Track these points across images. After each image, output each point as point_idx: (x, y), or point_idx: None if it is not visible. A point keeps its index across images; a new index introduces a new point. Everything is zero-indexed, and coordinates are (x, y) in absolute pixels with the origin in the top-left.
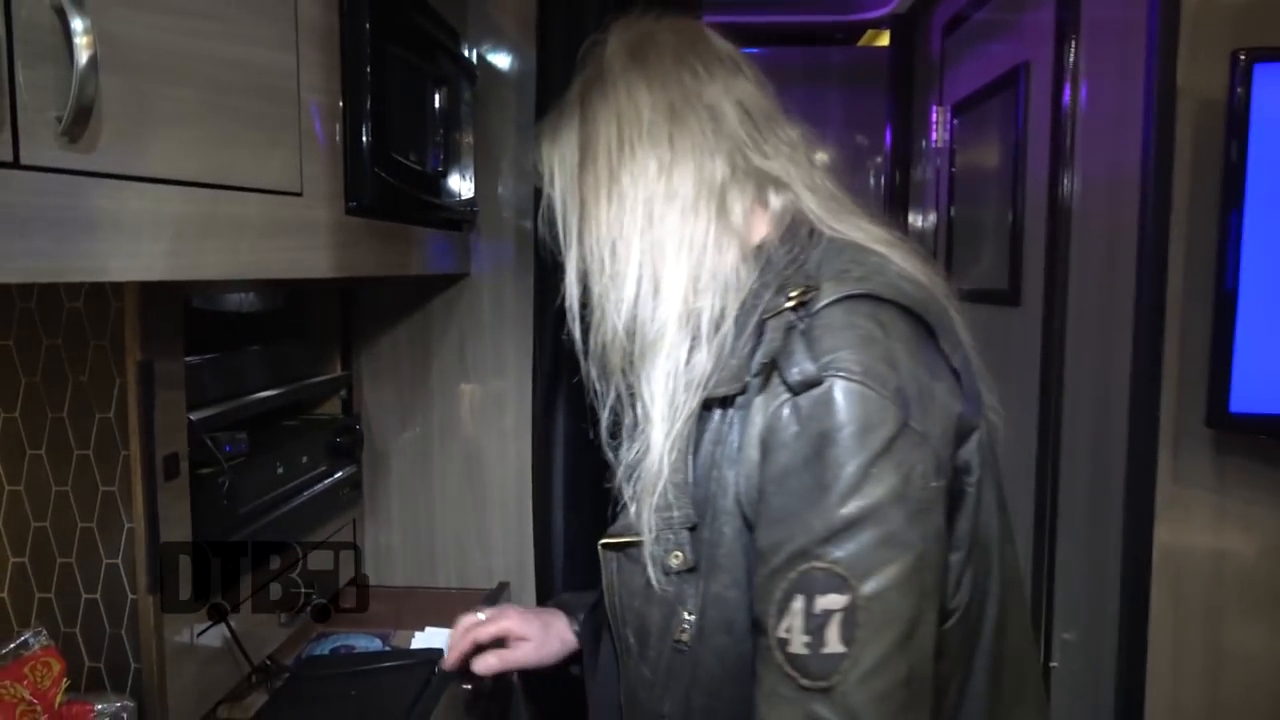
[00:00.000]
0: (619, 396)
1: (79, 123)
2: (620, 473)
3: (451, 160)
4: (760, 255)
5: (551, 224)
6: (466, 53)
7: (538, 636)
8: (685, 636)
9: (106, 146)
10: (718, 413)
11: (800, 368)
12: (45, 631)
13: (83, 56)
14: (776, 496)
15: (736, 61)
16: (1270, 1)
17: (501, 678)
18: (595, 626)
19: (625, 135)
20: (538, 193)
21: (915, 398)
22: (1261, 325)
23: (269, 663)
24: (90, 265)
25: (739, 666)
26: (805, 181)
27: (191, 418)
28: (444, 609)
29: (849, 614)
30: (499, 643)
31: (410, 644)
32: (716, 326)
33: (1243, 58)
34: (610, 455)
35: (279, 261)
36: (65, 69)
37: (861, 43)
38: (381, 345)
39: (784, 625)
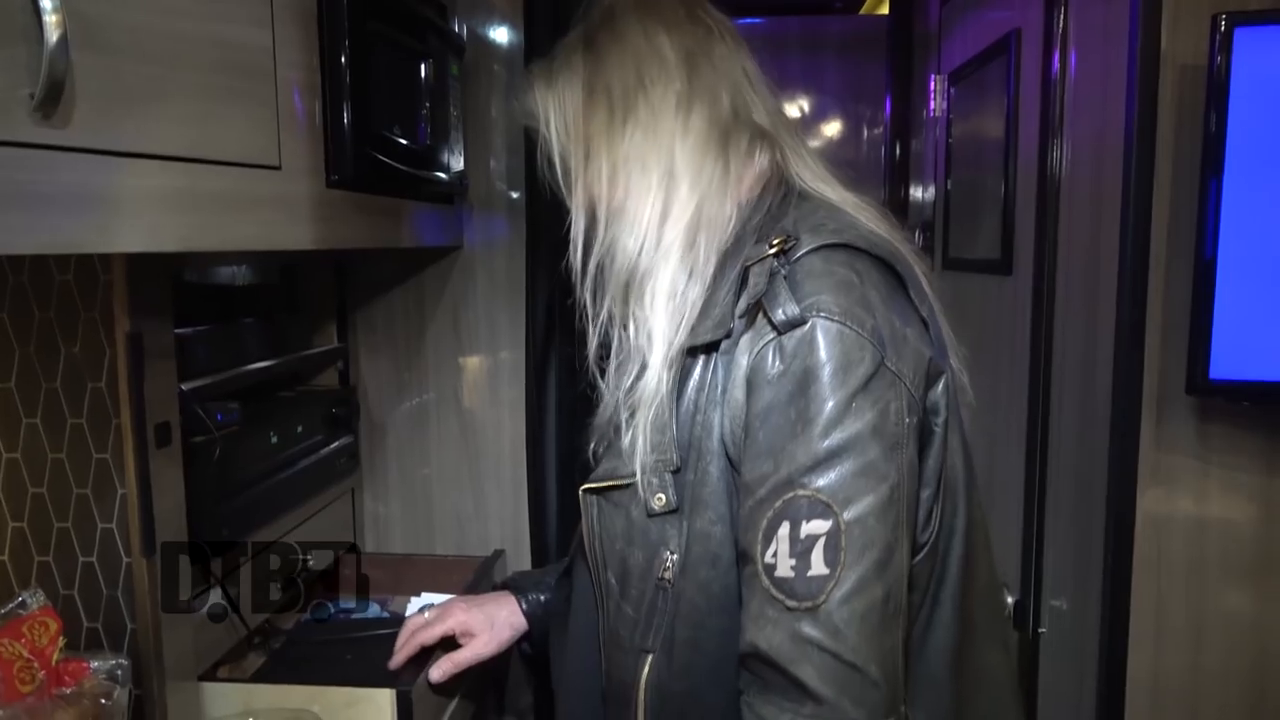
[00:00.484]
0: (610, 325)
1: (51, 99)
2: (610, 406)
3: (440, 134)
4: (744, 205)
5: (550, 160)
6: (455, 27)
7: (485, 629)
8: (668, 575)
9: (81, 122)
10: (701, 359)
11: (784, 309)
12: (42, 592)
13: (53, 35)
14: (762, 431)
15: (733, 30)
16: None
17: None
18: (566, 594)
19: (644, 72)
20: (529, 163)
21: (889, 339)
22: (1241, 292)
23: (267, 625)
24: (66, 239)
25: (723, 598)
26: (789, 143)
27: (183, 388)
28: (440, 576)
29: (832, 538)
30: (449, 641)
31: (406, 610)
32: (707, 263)
33: (1223, 21)
34: (600, 384)
35: (258, 234)
36: (36, 47)
37: (863, 11)
38: (377, 317)
39: (770, 551)
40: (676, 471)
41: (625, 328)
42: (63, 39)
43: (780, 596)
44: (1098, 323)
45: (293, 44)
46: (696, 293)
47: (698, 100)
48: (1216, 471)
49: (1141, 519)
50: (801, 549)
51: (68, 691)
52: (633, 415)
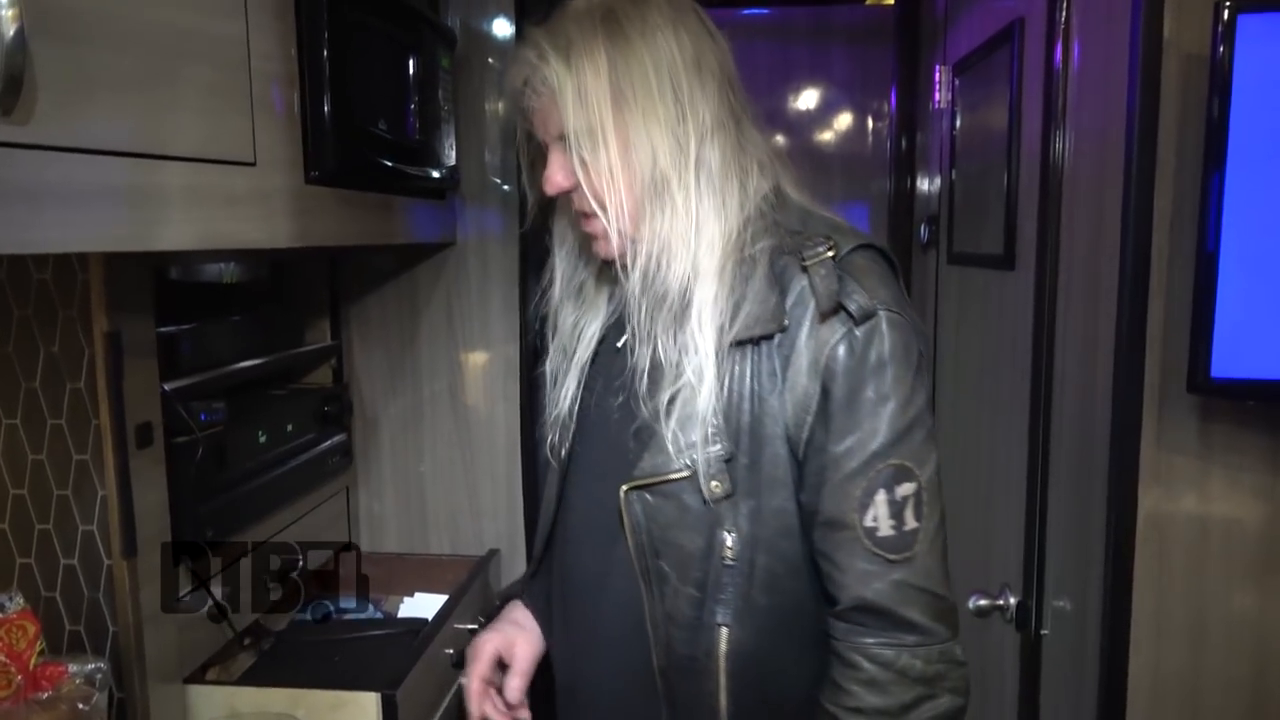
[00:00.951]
0: (651, 335)
1: (9, 95)
2: (649, 407)
3: (430, 128)
4: (750, 212)
5: (579, 151)
6: (448, 19)
7: (517, 634)
8: (731, 553)
9: (43, 118)
10: (749, 350)
11: (858, 303)
12: (21, 595)
13: (9, 29)
14: (844, 413)
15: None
16: None
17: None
18: (545, 592)
19: (676, 79)
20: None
21: (919, 328)
22: (1245, 287)
23: (258, 625)
24: (28, 237)
25: (798, 563)
26: (777, 154)
27: (166, 387)
28: (434, 575)
29: (918, 496)
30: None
31: (400, 609)
32: (729, 262)
33: (1226, 8)
34: (644, 400)
35: (233, 231)
36: None
37: (869, 1)
38: (370, 314)
39: (870, 515)
40: (729, 459)
41: (658, 335)
42: (19, 32)
43: (881, 553)
44: (1099, 319)
45: (268, 35)
46: (726, 292)
47: (725, 113)
48: (1219, 471)
49: (1143, 519)
50: (897, 510)
51: (44, 696)
52: (673, 412)
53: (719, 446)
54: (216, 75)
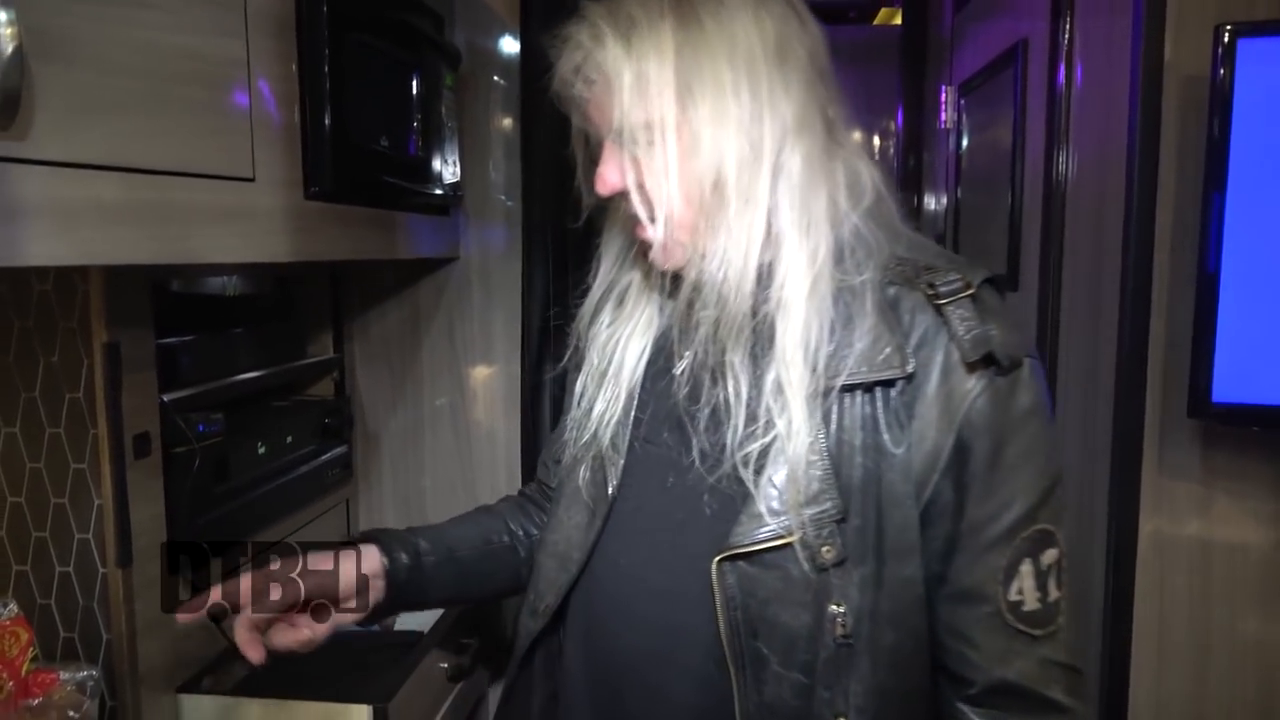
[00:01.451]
0: (721, 369)
1: (7, 111)
2: (733, 457)
3: (432, 145)
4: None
5: (633, 149)
6: (454, 37)
7: (350, 593)
8: (844, 630)
9: (41, 135)
10: (860, 395)
11: (1007, 351)
12: (15, 603)
13: (7, 47)
14: (986, 473)
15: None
16: None
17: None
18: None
19: (759, 63)
20: (526, 171)
21: None
22: (1246, 310)
23: None
24: (24, 251)
25: (926, 638)
26: (872, 161)
27: (164, 398)
28: None
29: (1059, 563)
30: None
31: (395, 622)
32: (850, 292)
33: (1226, 32)
34: (725, 448)
35: (231, 246)
36: None
37: (877, 21)
38: (372, 327)
39: (1014, 589)
40: (841, 520)
41: (732, 370)
42: (17, 50)
43: (1026, 629)
44: (1100, 342)
45: (268, 56)
46: (819, 325)
47: (813, 112)
48: (1222, 497)
49: (1144, 544)
50: (1043, 581)
51: (35, 703)
52: (765, 466)
53: (828, 505)
54: (216, 93)
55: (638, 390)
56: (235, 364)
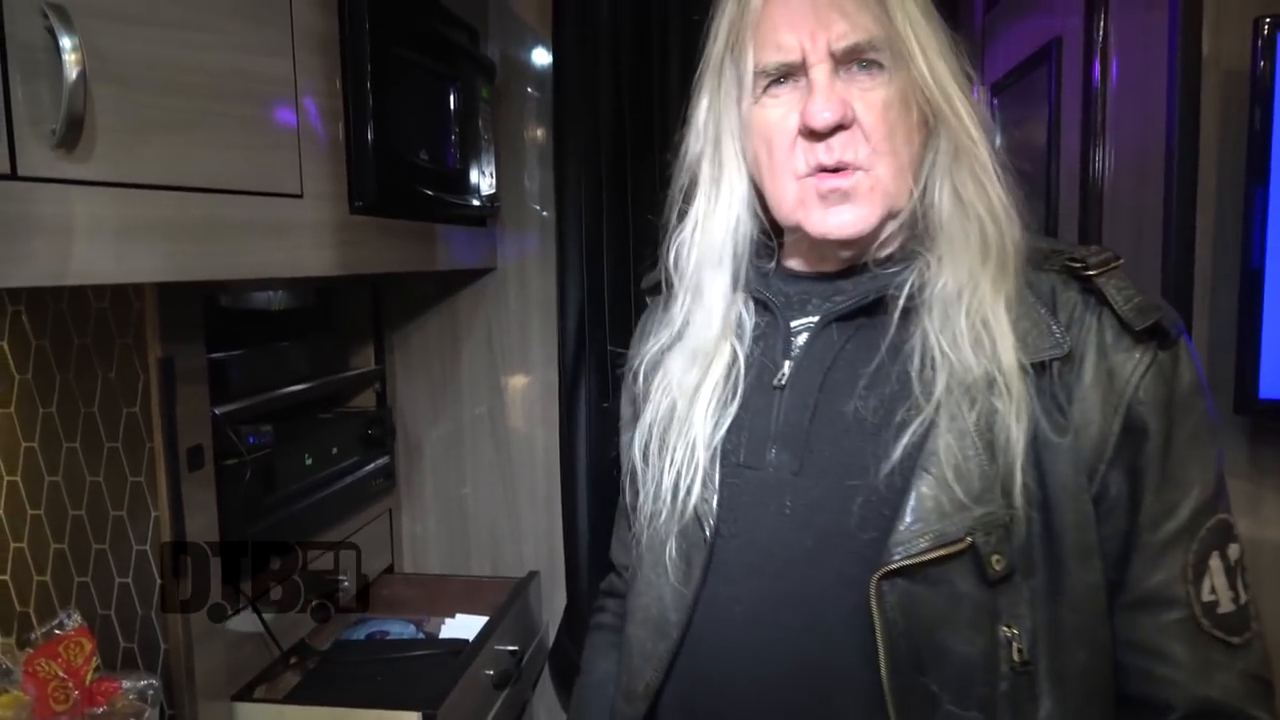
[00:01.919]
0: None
1: (71, 134)
2: (887, 462)
3: (470, 157)
4: None
5: (866, 69)
6: (488, 50)
7: None
8: (1019, 655)
9: (101, 156)
10: (1028, 378)
11: (1172, 323)
12: (79, 613)
13: (72, 72)
14: (1161, 458)
15: None
16: None
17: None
18: None
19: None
20: (560, 180)
21: None
22: None
23: (304, 644)
24: (87, 268)
25: (1112, 654)
26: None
27: (216, 411)
28: (475, 596)
29: (1242, 560)
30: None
31: (441, 630)
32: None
33: (1265, 24)
34: (842, 458)
35: (281, 261)
36: (57, 83)
37: None
38: (413, 339)
39: (1206, 588)
40: (1007, 524)
41: (937, 346)
42: (81, 75)
43: (1224, 636)
44: None
45: (313, 73)
46: (1008, 301)
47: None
48: (1270, 495)
49: None
50: (1233, 578)
51: (99, 711)
52: (919, 467)
53: (995, 506)
54: (265, 111)
55: (735, 407)
56: (282, 377)
